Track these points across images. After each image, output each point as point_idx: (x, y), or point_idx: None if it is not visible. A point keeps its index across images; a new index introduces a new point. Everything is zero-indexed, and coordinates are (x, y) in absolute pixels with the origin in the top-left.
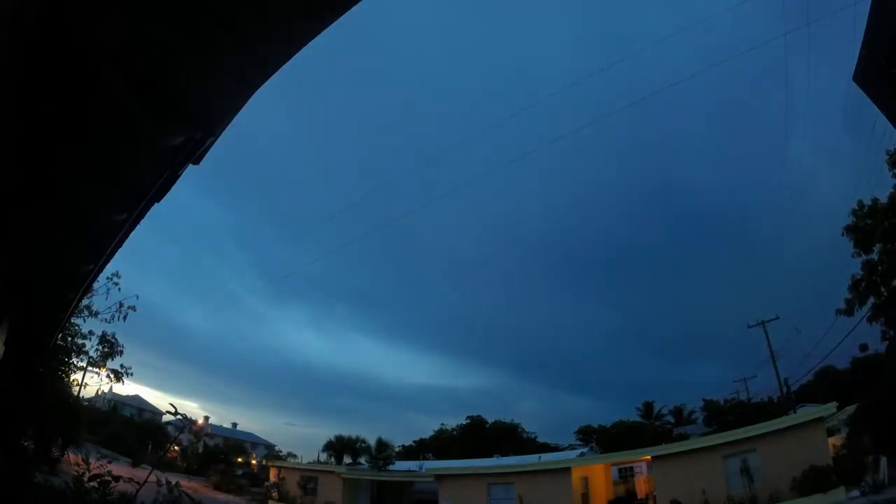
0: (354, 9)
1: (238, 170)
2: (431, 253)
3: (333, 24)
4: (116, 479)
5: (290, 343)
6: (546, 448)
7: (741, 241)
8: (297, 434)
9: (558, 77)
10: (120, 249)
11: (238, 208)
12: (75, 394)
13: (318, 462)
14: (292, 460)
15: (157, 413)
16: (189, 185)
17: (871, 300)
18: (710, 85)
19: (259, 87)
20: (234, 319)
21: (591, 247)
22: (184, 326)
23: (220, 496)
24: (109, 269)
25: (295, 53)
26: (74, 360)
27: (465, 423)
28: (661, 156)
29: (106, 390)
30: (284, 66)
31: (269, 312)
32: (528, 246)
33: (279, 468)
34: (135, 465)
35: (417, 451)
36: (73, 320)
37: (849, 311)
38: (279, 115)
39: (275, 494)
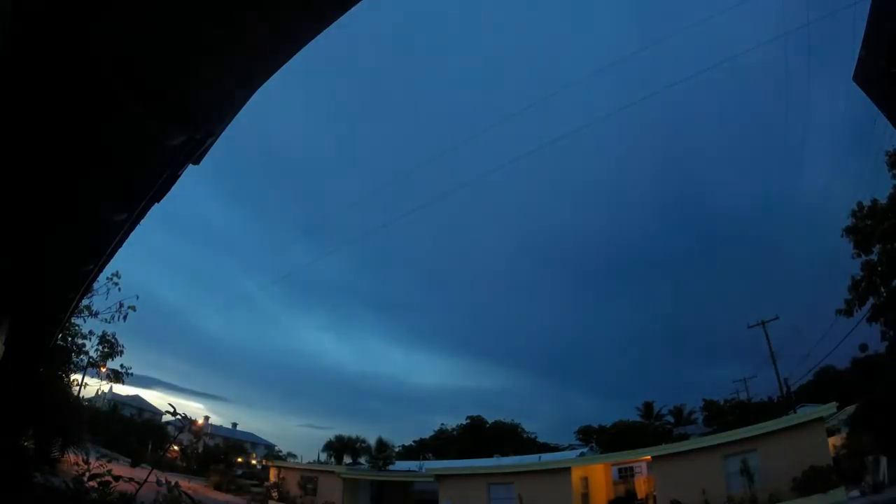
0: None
1: (243, 165)
2: (435, 253)
3: (340, 23)
4: (116, 478)
5: (295, 343)
6: (546, 448)
7: (744, 243)
8: (298, 434)
9: (564, 77)
10: (120, 249)
11: (241, 204)
12: (75, 394)
13: (318, 462)
14: (292, 460)
15: (158, 413)
16: (193, 182)
17: (871, 301)
18: (726, 91)
19: (259, 86)
20: (238, 318)
21: (594, 249)
22: (188, 326)
23: (220, 496)
24: (109, 269)
25: (295, 53)
26: (74, 360)
27: (465, 423)
28: (667, 157)
29: (106, 390)
30: (307, 64)
31: (274, 312)
32: (530, 247)
33: (279, 468)
34: (134, 464)
35: (417, 451)
36: (73, 320)
37: (848, 312)
38: (298, 115)
39: (275, 494)
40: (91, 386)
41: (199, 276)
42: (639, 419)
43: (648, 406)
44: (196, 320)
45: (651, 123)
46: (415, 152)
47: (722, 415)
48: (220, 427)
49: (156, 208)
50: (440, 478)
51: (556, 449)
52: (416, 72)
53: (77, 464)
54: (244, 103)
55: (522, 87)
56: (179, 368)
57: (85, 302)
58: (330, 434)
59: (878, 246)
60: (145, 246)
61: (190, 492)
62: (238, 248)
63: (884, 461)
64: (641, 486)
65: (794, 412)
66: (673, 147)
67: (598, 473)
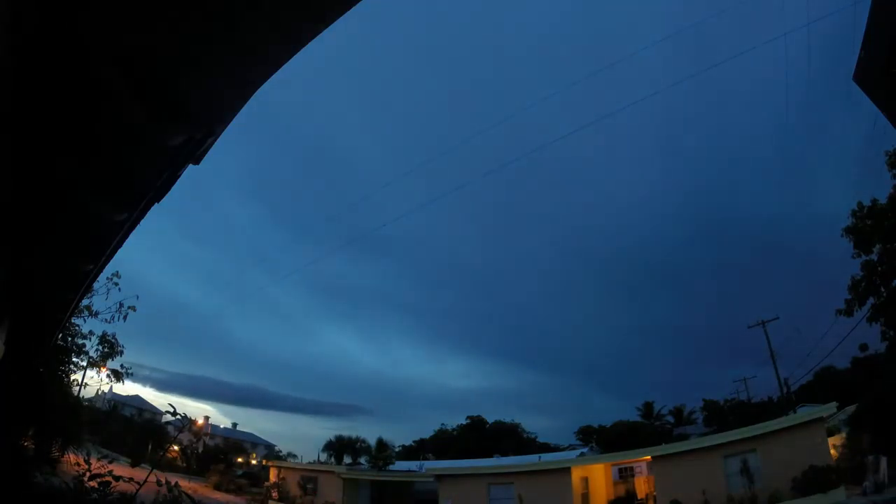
0: None
1: (257, 163)
2: (437, 254)
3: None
4: (116, 478)
5: (300, 344)
6: (546, 448)
7: (745, 244)
8: (298, 434)
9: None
10: (121, 249)
11: (254, 200)
12: (75, 394)
13: (318, 462)
14: (292, 460)
15: (158, 413)
16: (193, 179)
17: (871, 300)
18: (732, 93)
19: (259, 86)
20: (245, 317)
21: (595, 251)
22: (191, 325)
23: (220, 496)
24: (109, 268)
25: (295, 53)
26: (74, 359)
27: (465, 422)
28: (669, 157)
29: (106, 390)
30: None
31: (278, 310)
32: (532, 249)
33: (279, 468)
34: (134, 464)
35: (417, 451)
36: (73, 320)
37: (848, 312)
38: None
39: (275, 494)
40: (91, 386)
41: (213, 275)
42: (639, 419)
43: (648, 406)
44: (203, 319)
45: (652, 125)
46: (424, 149)
47: (722, 415)
48: (220, 427)
49: (170, 210)
50: (440, 478)
51: (556, 449)
52: (422, 70)
53: (77, 464)
54: (245, 103)
55: (531, 83)
56: (194, 370)
57: (85, 302)
58: (332, 434)
59: (878, 246)
60: (174, 249)
61: (190, 492)
62: (248, 246)
63: (884, 461)
64: (641, 486)
65: (795, 412)
66: (679, 146)
67: (598, 473)
